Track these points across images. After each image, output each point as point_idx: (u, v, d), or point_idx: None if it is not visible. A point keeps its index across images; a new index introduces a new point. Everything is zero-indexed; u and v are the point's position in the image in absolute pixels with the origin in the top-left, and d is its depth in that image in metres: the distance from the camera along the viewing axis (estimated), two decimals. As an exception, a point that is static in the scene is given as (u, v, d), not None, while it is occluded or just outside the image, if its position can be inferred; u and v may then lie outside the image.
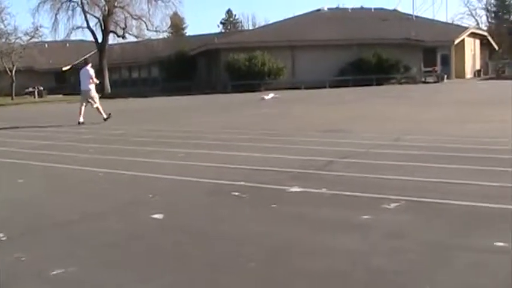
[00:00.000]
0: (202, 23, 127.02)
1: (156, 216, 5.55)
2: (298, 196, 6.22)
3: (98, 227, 5.34)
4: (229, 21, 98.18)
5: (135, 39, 50.79)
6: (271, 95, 30.56)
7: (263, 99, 28.79)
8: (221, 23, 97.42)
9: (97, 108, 18.30)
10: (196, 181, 7.31)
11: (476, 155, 8.54)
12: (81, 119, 17.61)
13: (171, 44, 51.85)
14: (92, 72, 18.48)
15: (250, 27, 78.98)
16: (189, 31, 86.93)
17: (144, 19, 49.52)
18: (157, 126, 16.14)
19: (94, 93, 18.42)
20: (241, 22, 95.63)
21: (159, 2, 49.69)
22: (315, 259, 4.17)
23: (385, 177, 6.98)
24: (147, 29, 50.04)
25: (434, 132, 11.83)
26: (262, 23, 74.32)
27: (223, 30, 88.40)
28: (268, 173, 7.64)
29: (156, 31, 50.57)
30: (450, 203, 5.57)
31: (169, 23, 53.02)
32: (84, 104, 18.20)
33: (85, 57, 19.59)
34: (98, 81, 19.01)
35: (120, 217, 5.73)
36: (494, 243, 4.30)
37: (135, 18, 49.30)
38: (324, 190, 6.36)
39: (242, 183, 6.92)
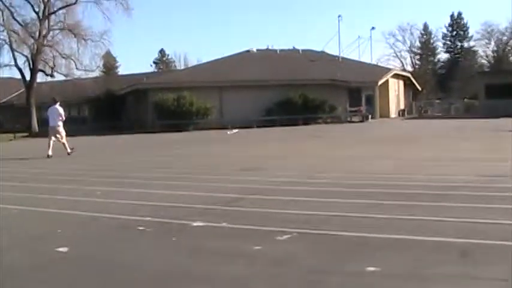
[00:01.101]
0: (136, 62, 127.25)
1: (61, 249, 5.81)
2: (199, 230, 6.58)
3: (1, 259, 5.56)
4: (162, 60, 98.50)
5: (64, 78, 50.57)
6: (234, 130, 34.26)
7: (227, 133, 31.97)
8: (154, 62, 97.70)
9: (63, 143, 19.74)
10: (107, 217, 7.58)
11: (375, 190, 9.06)
12: (50, 153, 18.83)
13: (101, 83, 51.82)
14: (61, 110, 20.17)
15: (183, 67, 79.38)
16: (122, 70, 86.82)
17: (73, 58, 49.50)
18: (79, 166, 16.26)
19: (62, 130, 19.89)
20: (173, 62, 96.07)
21: (89, 41, 49.77)
22: (198, 284, 4.54)
23: (286, 211, 7.43)
24: (76, 68, 50.05)
25: (347, 169, 12.39)
26: (195, 63, 74.82)
27: (155, 70, 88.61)
28: (176, 209, 7.98)
29: (85, 70, 50.57)
30: (338, 234, 6.02)
31: (98, 62, 52.94)
32: (53, 138, 19.57)
33: (52, 96, 21.09)
34: (64, 119, 20.27)
35: (25, 251, 5.96)
36: (367, 268, 4.75)
37: (64, 57, 49.23)
38: (224, 224, 6.74)
39: (149, 218, 7.24)
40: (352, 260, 5.06)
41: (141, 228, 6.73)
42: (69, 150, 19.59)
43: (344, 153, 16.88)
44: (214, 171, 13.04)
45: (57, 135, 19.72)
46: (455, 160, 13.62)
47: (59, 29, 49.61)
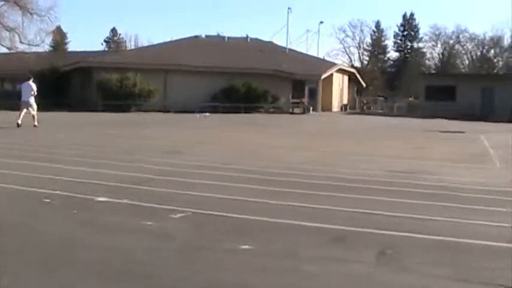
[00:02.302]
0: (88, 40, 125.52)
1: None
2: (101, 205, 6.96)
3: None
4: (113, 40, 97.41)
5: (7, 51, 49.80)
6: (206, 114, 35.92)
7: (197, 117, 32.96)
8: (105, 41, 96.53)
9: (33, 116, 21.69)
10: (18, 189, 7.87)
11: (283, 178, 9.54)
12: (19, 122, 21.05)
13: (49, 59, 51.10)
14: (34, 86, 22.57)
15: (133, 48, 78.78)
16: (72, 47, 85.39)
17: (17, 31, 48.70)
18: (9, 139, 16.36)
19: (33, 103, 22.11)
20: (124, 42, 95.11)
21: (35, 15, 48.97)
22: (82, 251, 4.93)
23: (189, 193, 7.86)
24: (20, 42, 49.21)
25: (267, 158, 12.87)
26: (145, 44, 74.36)
27: (106, 49, 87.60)
28: (86, 185, 8.32)
29: (29, 44, 49.78)
30: (228, 215, 6.46)
31: (44, 37, 52.02)
32: (25, 110, 21.59)
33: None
34: (36, 93, 22.34)
35: None
36: (241, 246, 5.18)
37: (7, 30, 48.40)
38: (126, 201, 7.12)
39: (57, 192, 7.56)
40: (230, 238, 5.49)
41: (46, 200, 7.07)
42: (36, 123, 21.46)
43: (271, 143, 17.37)
44: (136, 152, 13.35)
45: (29, 108, 21.76)
46: (373, 155, 14.25)
47: (3, 0, 48.81)
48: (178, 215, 6.39)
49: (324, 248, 5.27)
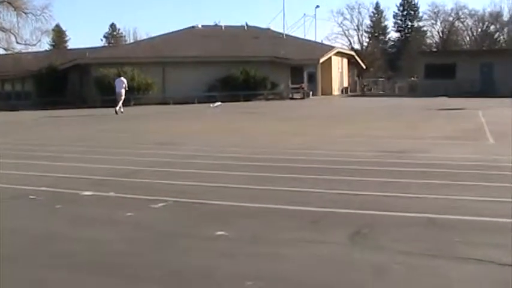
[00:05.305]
0: (88, 36, 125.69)
1: None
2: (86, 199, 7.02)
3: None
4: (113, 35, 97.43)
5: (4, 52, 49.98)
6: (217, 103, 35.58)
7: (210, 107, 32.98)
8: (104, 36, 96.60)
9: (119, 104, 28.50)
10: (3, 187, 7.92)
11: (273, 164, 9.58)
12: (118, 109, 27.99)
13: (45, 58, 51.21)
14: (125, 81, 29.94)
15: (132, 41, 78.76)
16: (72, 44, 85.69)
17: (12, 32, 48.84)
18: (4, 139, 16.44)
19: (123, 95, 29.20)
20: (124, 36, 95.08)
21: (30, 15, 49.10)
22: (63, 243, 5.02)
23: (174, 183, 7.92)
24: (17, 42, 49.39)
25: (259, 145, 12.91)
26: (144, 37, 74.28)
27: (105, 44, 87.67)
28: (74, 180, 8.38)
29: (25, 44, 49.95)
30: (207, 202, 6.52)
31: (40, 37, 52.03)
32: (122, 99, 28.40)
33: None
34: None
35: None
36: (216, 233, 5.22)
37: (3, 31, 48.53)
38: (111, 194, 7.17)
39: (44, 188, 7.62)
40: (207, 225, 5.53)
41: (32, 197, 7.13)
42: (120, 110, 28.80)
43: (266, 130, 17.39)
44: (127, 145, 13.44)
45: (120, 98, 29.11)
46: (365, 136, 14.29)
47: (-3, 1, 48.94)
48: (159, 205, 6.44)
49: (300, 231, 5.30)
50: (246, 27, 57.21)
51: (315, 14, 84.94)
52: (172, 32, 54.95)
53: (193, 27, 56.16)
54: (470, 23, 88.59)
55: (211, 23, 59.65)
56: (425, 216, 5.64)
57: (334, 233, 5.16)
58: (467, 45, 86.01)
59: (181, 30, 55.44)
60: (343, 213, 5.90)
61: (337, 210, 6.01)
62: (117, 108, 28.83)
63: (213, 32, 53.41)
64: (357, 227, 5.31)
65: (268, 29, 59.24)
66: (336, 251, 4.68)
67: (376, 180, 7.76)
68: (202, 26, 56.63)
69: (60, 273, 4.28)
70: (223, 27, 56.04)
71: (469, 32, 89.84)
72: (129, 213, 6.07)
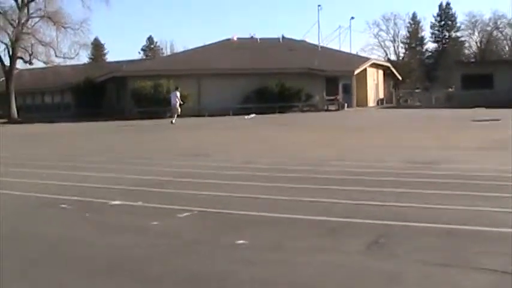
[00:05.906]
0: (126, 49, 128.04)
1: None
2: (115, 208, 7.25)
3: None
4: (150, 48, 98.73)
5: (44, 65, 51.04)
6: (252, 115, 37.25)
7: (244, 119, 34.30)
8: (142, 49, 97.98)
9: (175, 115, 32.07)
10: (37, 196, 8.19)
11: (298, 175, 9.68)
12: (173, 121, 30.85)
13: (83, 71, 52.17)
14: (178, 94, 33.11)
15: (168, 54, 79.74)
16: (111, 57, 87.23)
17: (52, 45, 49.85)
18: (39, 150, 16.86)
19: (178, 107, 32.88)
20: (161, 49, 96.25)
21: (68, 29, 50.05)
22: (86, 250, 5.27)
23: (201, 193, 8.10)
24: (56, 56, 50.38)
25: (288, 155, 13.04)
26: (181, 50, 75.06)
27: (143, 57, 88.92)
28: (104, 190, 8.66)
29: (64, 58, 50.93)
30: (231, 212, 6.69)
31: (78, 50, 52.98)
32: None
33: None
34: None
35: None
36: (236, 241, 5.37)
37: (43, 45, 49.50)
38: (139, 203, 7.40)
39: (75, 198, 7.87)
40: (228, 234, 5.69)
41: (63, 206, 7.37)
42: (173, 121, 31.27)
43: (297, 140, 17.51)
44: (159, 156, 13.69)
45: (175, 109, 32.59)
46: (396, 148, 14.29)
47: (38, 16, 49.90)
48: (184, 214, 6.62)
49: (319, 239, 5.41)
50: (281, 39, 57.44)
51: (350, 26, 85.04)
52: (207, 45, 55.50)
53: (228, 39, 56.59)
54: (509, 32, 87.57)
55: (247, 36, 59.92)
56: (449, 227, 5.68)
57: (352, 242, 5.26)
58: (506, 55, 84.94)
59: (216, 42, 55.94)
60: (362, 224, 5.99)
61: (356, 221, 6.10)
62: (173, 119, 31.78)
63: (249, 44, 53.78)
64: (375, 236, 5.40)
65: (303, 40, 59.37)
66: (352, 259, 4.78)
67: (401, 192, 7.75)
68: (237, 38, 57.02)
69: (75, 277, 4.50)
70: (258, 40, 56.35)
71: (508, 42, 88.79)
72: (155, 222, 6.27)
